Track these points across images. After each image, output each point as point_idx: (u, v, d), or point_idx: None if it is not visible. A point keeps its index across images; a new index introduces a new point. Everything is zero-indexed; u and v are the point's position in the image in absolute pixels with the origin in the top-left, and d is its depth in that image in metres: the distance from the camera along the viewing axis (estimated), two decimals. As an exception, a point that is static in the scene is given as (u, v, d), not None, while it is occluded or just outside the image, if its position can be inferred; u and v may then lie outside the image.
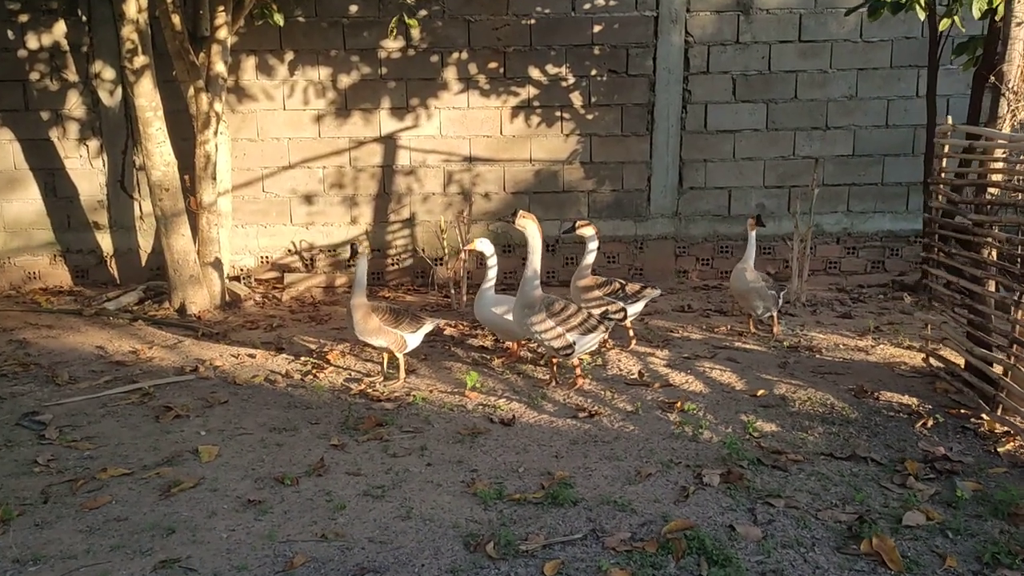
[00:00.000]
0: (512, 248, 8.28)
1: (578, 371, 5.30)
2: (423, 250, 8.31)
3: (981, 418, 4.58)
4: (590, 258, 5.95)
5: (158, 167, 6.87)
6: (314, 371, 5.60)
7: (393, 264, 8.44)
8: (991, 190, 4.77)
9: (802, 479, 3.95)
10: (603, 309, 5.75)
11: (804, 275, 7.34)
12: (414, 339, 5.41)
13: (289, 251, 8.39)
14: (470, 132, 8.21)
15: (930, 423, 4.56)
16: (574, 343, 5.08)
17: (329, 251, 8.39)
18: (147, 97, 6.75)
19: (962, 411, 4.73)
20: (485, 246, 5.78)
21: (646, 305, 6.17)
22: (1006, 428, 4.40)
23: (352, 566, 3.24)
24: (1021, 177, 4.52)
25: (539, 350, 5.79)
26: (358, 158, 8.25)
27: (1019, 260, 4.35)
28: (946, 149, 5.25)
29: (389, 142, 8.22)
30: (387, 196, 8.33)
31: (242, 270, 8.36)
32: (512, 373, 5.55)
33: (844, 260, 8.44)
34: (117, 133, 8.08)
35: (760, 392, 5.07)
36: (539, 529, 3.49)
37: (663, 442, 4.39)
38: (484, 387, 5.26)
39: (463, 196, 8.30)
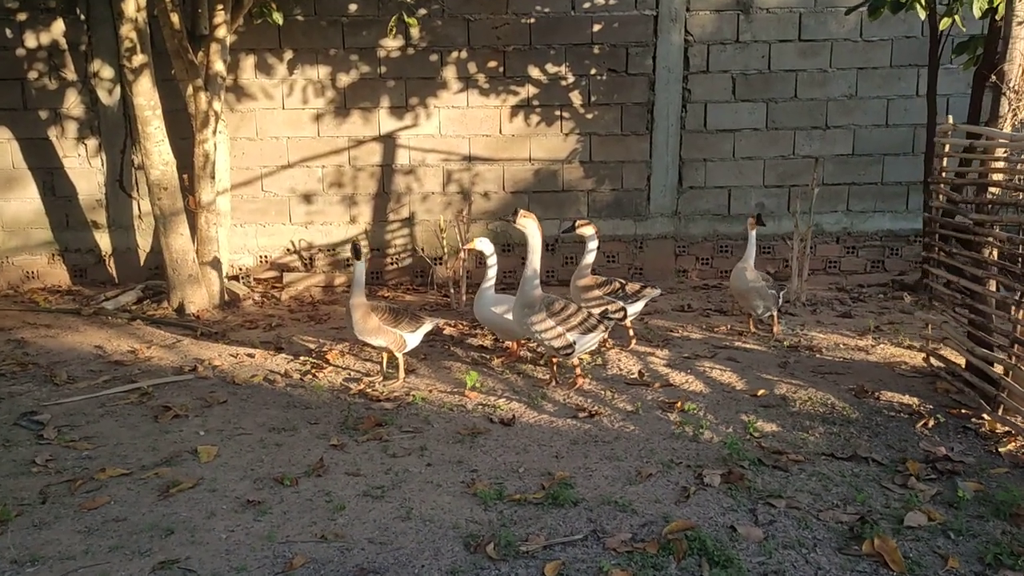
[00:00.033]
0: (511, 247, 8.26)
1: (578, 371, 5.29)
2: (422, 249, 8.30)
3: (982, 418, 4.57)
4: (590, 257, 5.94)
5: (157, 166, 6.85)
6: (313, 371, 5.59)
7: (392, 263, 8.42)
8: (992, 189, 4.76)
9: (803, 479, 3.94)
10: (603, 308, 5.74)
11: (804, 274, 7.33)
12: (413, 339, 5.39)
13: (288, 250, 8.37)
14: (469, 131, 8.20)
15: (931, 423, 4.55)
16: (574, 343, 5.07)
17: (328, 250, 8.38)
18: (146, 96, 6.73)
19: (963, 411, 4.72)
20: (485, 245, 5.77)
21: (646, 304, 6.16)
22: (1007, 428, 4.39)
23: (352, 567, 3.23)
24: (1022, 176, 4.50)
25: (539, 350, 5.78)
26: (357, 157, 8.23)
27: (1020, 260, 4.34)
28: (947, 148, 5.24)
29: (388, 141, 8.21)
30: (386, 195, 8.31)
31: (241, 269, 8.34)
32: (512, 373, 5.54)
33: (844, 259, 8.44)
34: (116, 132, 8.06)
35: (760, 392, 5.06)
36: (540, 530, 3.47)
37: (664, 442, 4.38)
38: (484, 387, 5.25)
39: (462, 195, 8.28)
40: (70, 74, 7.98)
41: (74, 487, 3.89)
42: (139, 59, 6.62)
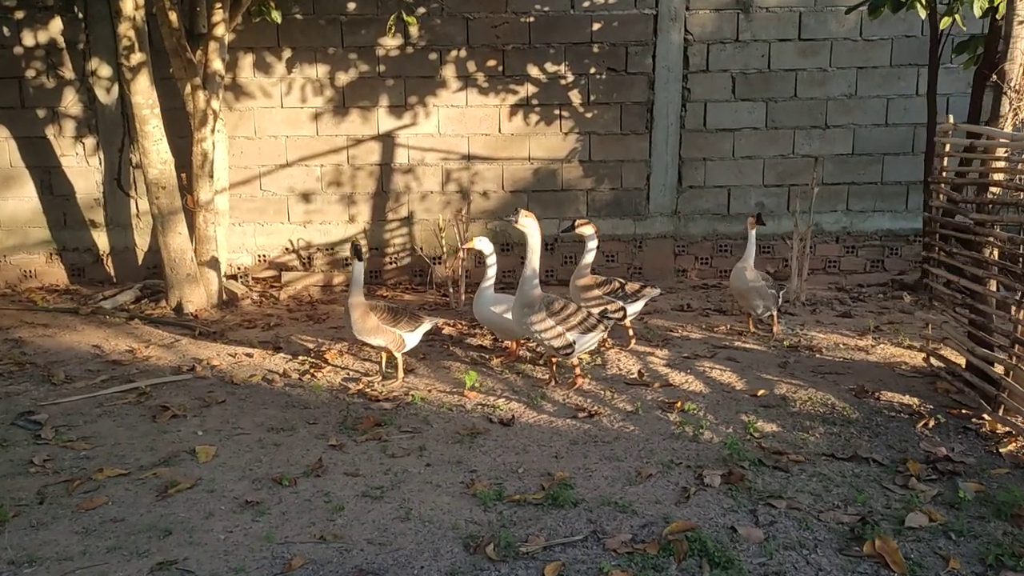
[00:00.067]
0: (511, 246, 8.25)
1: (577, 371, 5.28)
2: (421, 249, 8.28)
3: (983, 418, 4.56)
4: (589, 257, 5.92)
5: (155, 165, 6.83)
6: (312, 370, 5.57)
7: (391, 263, 8.41)
8: (993, 189, 4.75)
9: (804, 480, 3.93)
10: (602, 308, 5.72)
11: (804, 274, 7.32)
12: (412, 338, 5.38)
13: (287, 249, 8.36)
14: (469, 130, 8.18)
15: (931, 423, 4.54)
16: (574, 342, 5.05)
17: (327, 249, 8.36)
18: (144, 95, 6.71)
19: (963, 411, 4.71)
20: (484, 245, 5.75)
21: (645, 304, 6.15)
22: (1008, 428, 4.38)
23: (351, 568, 3.21)
24: (1023, 176, 4.49)
25: (538, 349, 5.76)
26: (356, 156, 8.22)
27: (1020, 259, 4.33)
28: (947, 148, 5.23)
29: (387, 140, 8.19)
30: (385, 194, 8.30)
31: (239, 269, 8.32)
32: (511, 372, 5.52)
33: (843, 259, 8.43)
34: (114, 131, 8.04)
35: (760, 392, 5.05)
36: (539, 531, 3.46)
37: (663, 442, 4.37)
38: (483, 387, 5.23)
39: (461, 195, 8.27)
40: (68, 72, 7.96)
41: (72, 487, 3.87)
42: (137, 57, 6.61)
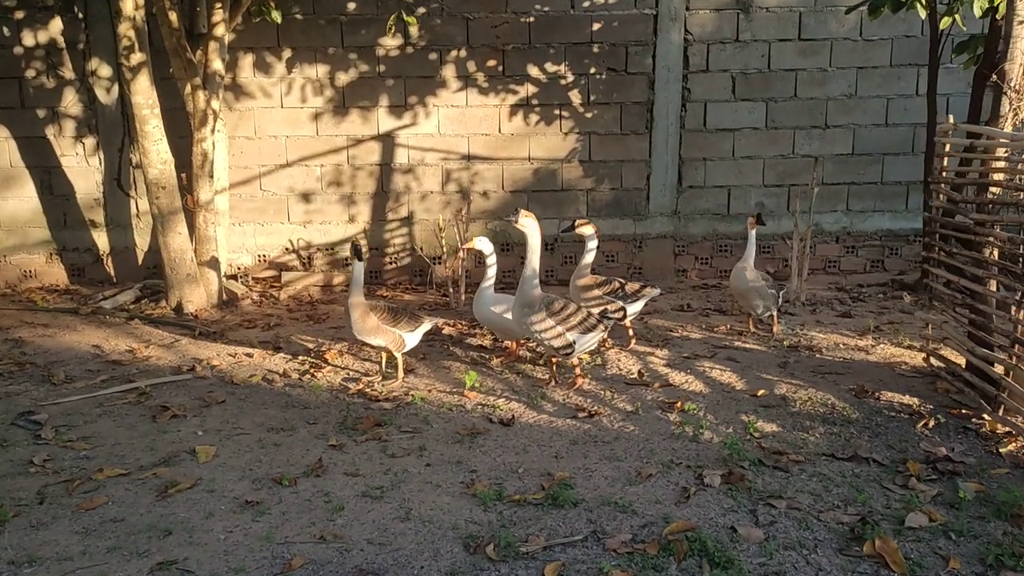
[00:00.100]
0: (511, 246, 8.25)
1: (577, 371, 5.28)
2: (421, 248, 8.28)
3: (983, 418, 4.56)
4: (589, 257, 5.92)
5: (155, 165, 6.83)
6: (312, 370, 5.57)
7: (391, 263, 8.41)
8: (993, 189, 4.75)
9: (804, 480, 3.93)
10: (602, 308, 5.72)
11: (804, 274, 7.32)
12: (412, 338, 5.38)
13: (287, 249, 8.36)
14: (469, 130, 8.18)
15: (931, 423, 4.54)
16: (574, 342, 5.05)
17: (327, 249, 8.36)
18: (144, 95, 6.71)
19: (963, 411, 4.71)
20: (484, 244, 5.75)
21: (646, 304, 6.15)
22: (1008, 429, 4.38)
23: (351, 568, 3.21)
24: (1023, 176, 4.49)
25: (538, 349, 5.76)
26: (356, 156, 8.22)
27: (1020, 259, 4.33)
28: (947, 148, 5.23)
29: (387, 140, 8.19)
30: (385, 194, 8.30)
31: (239, 269, 8.32)
32: (511, 372, 5.52)
33: (843, 259, 8.43)
34: (114, 131, 8.04)
35: (760, 392, 5.05)
36: (539, 531, 3.46)
37: (663, 442, 4.37)
38: (483, 387, 5.23)
39: (461, 194, 8.27)
40: (68, 72, 7.96)
41: (72, 487, 3.87)
42: (137, 57, 6.60)
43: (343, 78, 8.05)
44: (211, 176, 7.29)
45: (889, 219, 8.38)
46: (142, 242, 8.23)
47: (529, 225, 5.19)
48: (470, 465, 4.12)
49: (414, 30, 7.95)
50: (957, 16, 6.69)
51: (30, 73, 7.95)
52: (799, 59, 8.09)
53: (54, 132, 8.05)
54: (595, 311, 5.41)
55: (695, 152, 8.26)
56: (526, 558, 3.26)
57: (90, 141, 8.07)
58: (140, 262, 8.25)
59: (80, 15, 7.86)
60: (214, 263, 7.30)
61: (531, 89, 8.10)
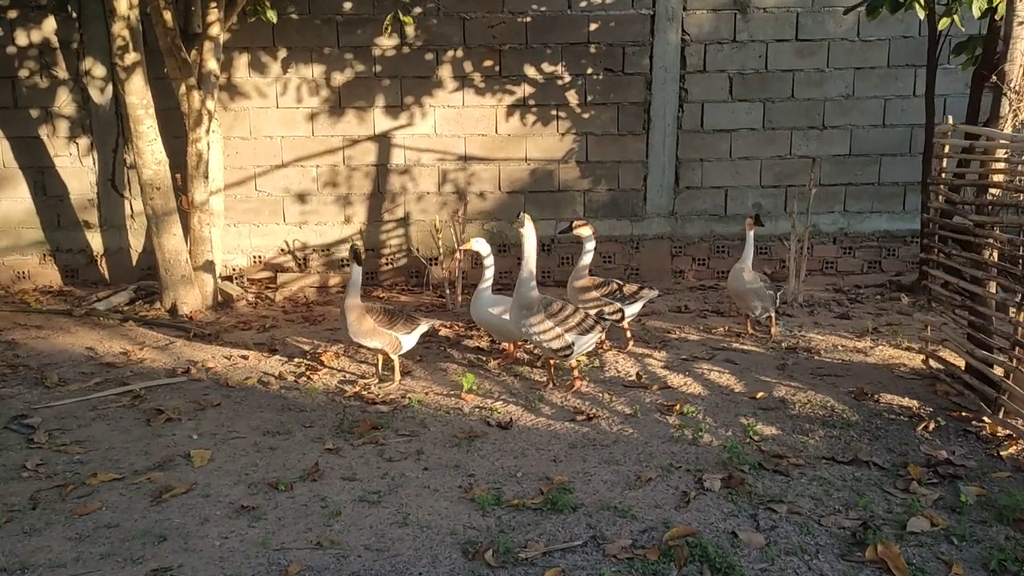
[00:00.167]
0: (507, 248, 8.22)
1: (575, 373, 5.25)
2: (418, 250, 8.25)
3: (983, 421, 4.54)
4: (587, 258, 5.89)
5: (149, 165, 6.78)
6: (308, 373, 5.53)
7: (387, 264, 8.37)
8: (992, 191, 4.73)
9: (804, 484, 3.90)
10: (599, 310, 5.70)
11: (801, 275, 7.30)
12: (409, 340, 5.34)
13: (282, 250, 8.31)
14: (465, 131, 8.14)
15: (931, 426, 4.51)
16: (573, 344, 5.02)
17: (323, 251, 8.32)
18: (138, 95, 6.66)
19: (963, 414, 4.68)
20: (481, 246, 5.71)
21: (644, 306, 6.12)
22: (1008, 431, 4.36)
23: (348, 574, 3.17)
24: (1022, 178, 4.47)
25: (536, 351, 5.73)
26: (352, 157, 8.17)
27: (1020, 261, 4.31)
28: (946, 149, 5.21)
29: (383, 141, 8.15)
30: (381, 195, 8.26)
31: (234, 270, 8.27)
32: (509, 375, 5.49)
33: (841, 260, 8.41)
34: (108, 131, 7.99)
35: (759, 394, 5.02)
36: (538, 536, 3.43)
37: (663, 446, 4.34)
38: (480, 389, 5.20)
39: (458, 195, 8.23)
40: (61, 72, 7.90)
41: (65, 492, 3.83)
42: (131, 57, 6.56)
43: (339, 78, 8.01)
44: (206, 177, 7.24)
45: (887, 220, 8.37)
46: (136, 243, 8.18)
47: (526, 226, 5.16)
48: (468, 469, 4.08)
49: (410, 30, 7.91)
50: (956, 17, 6.67)
51: (23, 73, 7.89)
52: (796, 59, 8.07)
53: (47, 132, 7.99)
54: (593, 312, 5.37)
55: (692, 153, 8.24)
56: (525, 564, 3.23)
57: (84, 141, 8.01)
58: (134, 263, 8.20)
59: (74, 14, 7.80)
60: (209, 264, 7.25)
61: (528, 89, 8.06)
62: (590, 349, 5.35)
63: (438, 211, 8.20)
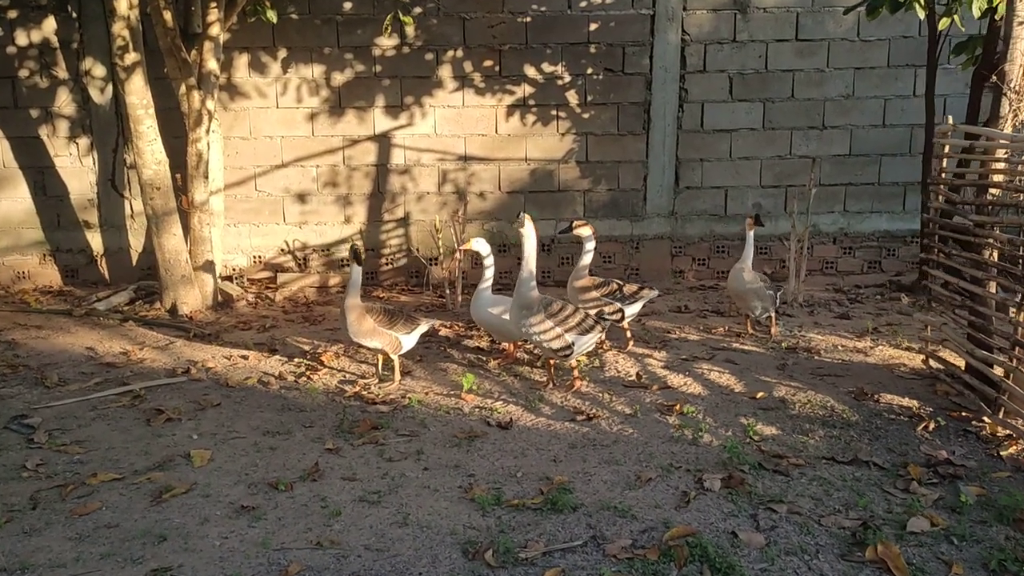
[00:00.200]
0: (508, 248, 8.22)
1: (575, 373, 5.25)
2: (418, 250, 8.25)
3: (983, 421, 4.54)
4: (587, 258, 5.89)
5: (149, 165, 6.78)
6: (308, 373, 5.53)
7: (387, 264, 8.37)
8: (992, 191, 4.73)
9: (804, 484, 3.90)
10: (599, 310, 5.70)
11: (801, 275, 7.30)
12: (409, 340, 5.34)
13: (282, 250, 8.31)
14: (465, 131, 8.14)
15: (931, 426, 4.51)
16: (573, 343, 5.02)
17: (323, 251, 8.32)
18: (138, 95, 6.66)
19: (963, 414, 4.68)
20: (481, 246, 5.71)
21: (644, 306, 6.12)
22: (1008, 431, 4.36)
23: (348, 574, 3.17)
24: (1022, 178, 4.47)
25: (536, 351, 5.73)
26: (352, 157, 8.17)
27: (1020, 261, 4.31)
28: (946, 149, 5.21)
29: (383, 141, 8.15)
30: (381, 195, 8.25)
31: (234, 270, 8.27)
32: (509, 375, 5.49)
33: (841, 260, 8.41)
34: (108, 131, 7.99)
35: (759, 394, 5.02)
36: (538, 536, 3.43)
37: (662, 446, 4.34)
38: (480, 389, 5.20)
39: (458, 195, 8.23)
40: (61, 72, 7.90)
41: (65, 492, 3.83)
42: (131, 57, 6.56)
43: (339, 78, 8.01)
44: (206, 177, 7.24)
45: (886, 220, 8.37)
46: (136, 243, 8.18)
47: (526, 226, 5.16)
48: (468, 469, 4.08)
49: (410, 30, 7.91)
50: (956, 17, 6.67)
51: (23, 73, 7.89)
52: (796, 59, 8.07)
53: (47, 132, 7.99)
54: (593, 312, 5.37)
55: (692, 153, 8.24)
56: (525, 564, 3.23)
57: (84, 141, 8.02)
58: (134, 263, 8.20)
59: (74, 14, 7.80)
60: (209, 264, 7.25)
61: (528, 89, 8.06)
62: (590, 349, 5.35)
63: (438, 211, 8.20)
